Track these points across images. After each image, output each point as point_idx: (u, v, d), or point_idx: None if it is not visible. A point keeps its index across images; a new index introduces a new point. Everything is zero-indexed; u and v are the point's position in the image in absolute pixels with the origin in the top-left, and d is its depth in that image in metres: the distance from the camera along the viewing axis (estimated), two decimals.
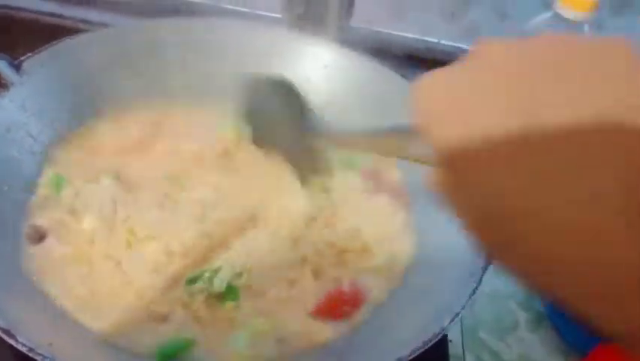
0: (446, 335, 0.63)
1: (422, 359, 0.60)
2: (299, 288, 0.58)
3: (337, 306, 0.57)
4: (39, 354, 0.41)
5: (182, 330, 0.52)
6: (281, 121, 0.52)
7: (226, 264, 0.57)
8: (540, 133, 0.23)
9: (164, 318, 0.53)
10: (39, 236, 0.56)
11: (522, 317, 0.71)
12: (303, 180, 0.54)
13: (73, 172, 0.62)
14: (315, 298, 0.57)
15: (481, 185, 0.25)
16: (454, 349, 0.63)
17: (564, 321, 0.69)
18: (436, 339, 0.47)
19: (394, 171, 0.71)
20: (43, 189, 0.60)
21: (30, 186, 0.59)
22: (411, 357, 0.46)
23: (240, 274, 0.56)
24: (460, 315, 0.49)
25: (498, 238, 0.26)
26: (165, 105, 0.72)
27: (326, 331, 0.55)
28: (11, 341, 0.41)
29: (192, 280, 0.56)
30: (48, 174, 0.61)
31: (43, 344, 0.42)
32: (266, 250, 0.60)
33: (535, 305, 0.72)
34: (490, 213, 0.25)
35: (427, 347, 0.46)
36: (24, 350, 0.41)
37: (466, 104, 0.26)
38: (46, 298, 0.52)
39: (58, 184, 0.60)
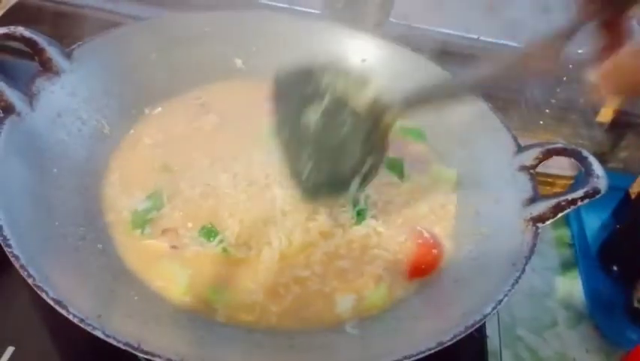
0: (485, 331, 0.63)
1: (460, 354, 0.60)
2: None
3: None
4: (89, 325, 0.42)
5: None
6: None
7: None
8: None
9: None
10: None
11: (561, 314, 0.70)
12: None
13: None
14: None
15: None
16: (491, 345, 0.63)
17: (606, 318, 0.68)
18: (478, 325, 0.47)
19: None
20: None
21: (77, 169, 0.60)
22: (452, 342, 0.45)
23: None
24: (502, 302, 0.49)
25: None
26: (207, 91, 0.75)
27: None
28: (63, 312, 0.42)
29: None
30: None
31: (93, 315, 0.43)
32: None
33: (574, 303, 0.71)
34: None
35: (468, 333, 0.46)
36: (75, 320, 0.42)
37: None
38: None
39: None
